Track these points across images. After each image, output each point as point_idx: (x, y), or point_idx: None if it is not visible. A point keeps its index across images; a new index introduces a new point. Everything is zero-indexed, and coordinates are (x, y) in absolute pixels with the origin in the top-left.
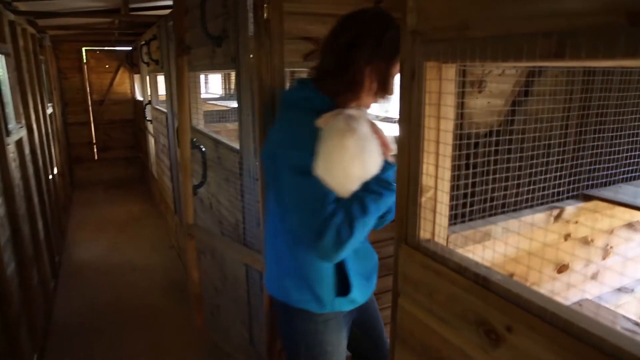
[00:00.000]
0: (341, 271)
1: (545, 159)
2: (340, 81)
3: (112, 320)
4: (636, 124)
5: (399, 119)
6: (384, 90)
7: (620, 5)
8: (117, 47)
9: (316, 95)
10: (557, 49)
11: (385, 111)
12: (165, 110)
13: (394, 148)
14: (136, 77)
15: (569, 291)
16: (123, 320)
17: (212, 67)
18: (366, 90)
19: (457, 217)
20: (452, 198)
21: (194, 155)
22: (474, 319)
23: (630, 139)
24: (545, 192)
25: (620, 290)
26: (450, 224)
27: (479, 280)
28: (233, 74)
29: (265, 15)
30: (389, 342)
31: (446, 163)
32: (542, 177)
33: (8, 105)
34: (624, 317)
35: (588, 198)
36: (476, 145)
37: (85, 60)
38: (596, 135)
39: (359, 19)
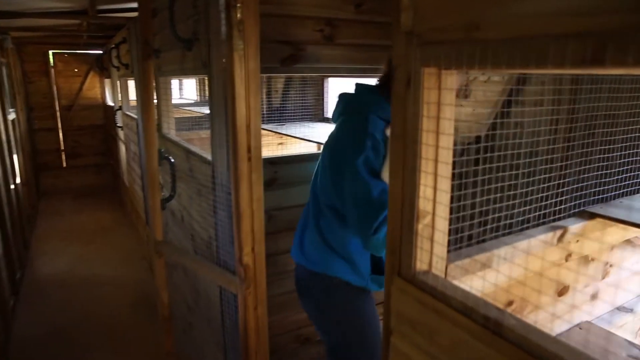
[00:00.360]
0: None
1: (546, 175)
2: None
3: (76, 341)
4: (631, 135)
5: (392, 133)
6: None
7: None
8: (87, 50)
9: (385, 102)
10: (594, 53)
11: None
12: (135, 116)
13: None
14: (107, 81)
15: (569, 314)
16: (88, 342)
17: (183, 72)
18: None
19: (450, 242)
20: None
21: (164, 166)
22: None
23: (629, 151)
24: (546, 211)
25: (619, 309)
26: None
27: (489, 325)
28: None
29: (238, 16)
30: None
31: (445, 185)
32: (544, 194)
33: None
34: (630, 343)
35: (590, 216)
36: (462, 154)
37: (52, 64)
38: (598, 148)
39: None
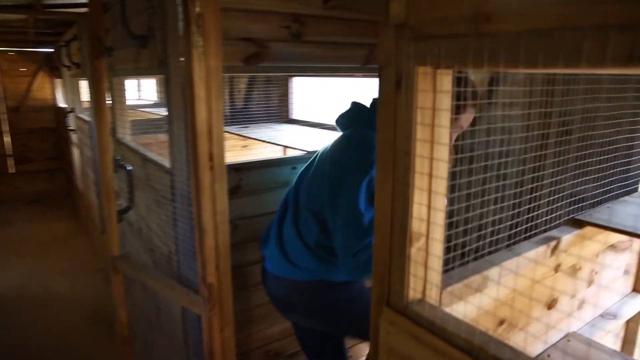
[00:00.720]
0: None
1: (534, 183)
2: None
3: None
4: (616, 137)
5: (378, 142)
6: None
7: None
8: (35, 48)
9: None
10: None
11: None
12: (89, 119)
13: None
14: (57, 81)
15: (557, 327)
16: None
17: (138, 72)
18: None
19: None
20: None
21: (120, 173)
22: None
23: (610, 155)
24: (538, 221)
25: (603, 316)
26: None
27: None
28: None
29: (197, 9)
30: None
31: (439, 203)
32: (534, 204)
33: None
34: (618, 353)
35: (579, 223)
36: None
37: None
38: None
39: None
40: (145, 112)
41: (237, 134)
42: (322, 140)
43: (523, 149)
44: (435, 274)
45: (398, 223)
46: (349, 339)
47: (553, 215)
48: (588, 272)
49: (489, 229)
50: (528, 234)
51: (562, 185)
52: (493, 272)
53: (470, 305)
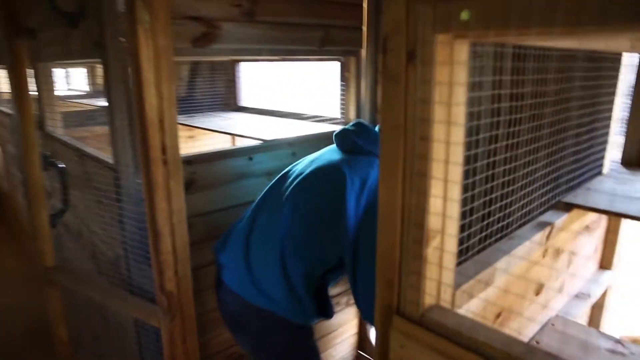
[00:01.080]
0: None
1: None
2: None
3: None
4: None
5: (383, 125)
6: None
7: None
8: None
9: None
10: None
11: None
12: (10, 111)
13: None
14: None
15: (544, 311)
16: None
17: (69, 56)
18: None
19: None
20: None
21: (51, 173)
22: None
23: (585, 136)
24: (532, 206)
25: (578, 297)
26: None
27: None
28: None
29: None
30: None
31: (455, 193)
32: (529, 188)
33: None
34: (603, 334)
35: (566, 206)
36: None
37: None
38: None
39: None
40: (77, 103)
41: (183, 124)
42: (277, 128)
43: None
44: (449, 274)
45: (411, 221)
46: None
47: (543, 199)
48: (567, 254)
49: (494, 217)
50: (523, 221)
51: (543, 171)
52: (502, 262)
53: (477, 300)
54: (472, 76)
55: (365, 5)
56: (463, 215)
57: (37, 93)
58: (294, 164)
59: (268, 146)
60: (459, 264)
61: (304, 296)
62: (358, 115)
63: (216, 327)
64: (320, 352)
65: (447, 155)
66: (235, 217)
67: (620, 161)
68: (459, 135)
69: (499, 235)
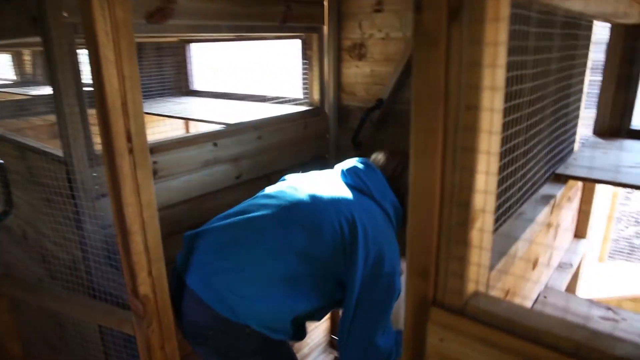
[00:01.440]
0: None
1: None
2: None
3: None
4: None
5: (416, 97)
6: None
7: None
8: None
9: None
10: None
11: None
12: None
13: None
14: None
15: (537, 285)
16: None
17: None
18: None
19: None
20: None
21: None
22: None
23: (567, 110)
24: (533, 180)
25: (561, 267)
26: None
27: None
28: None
29: None
30: None
31: (495, 166)
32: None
33: None
34: (593, 303)
35: (562, 179)
36: (362, 121)
37: None
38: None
39: None
40: (5, 93)
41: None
42: (237, 112)
43: None
44: (486, 254)
45: (454, 201)
46: None
47: (540, 173)
48: (555, 226)
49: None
50: (526, 196)
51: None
52: (527, 232)
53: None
54: None
55: None
56: None
57: None
58: (293, 182)
59: (232, 130)
60: None
61: (289, 328)
62: (322, 95)
63: None
64: (294, 351)
65: (491, 125)
66: (201, 208)
67: (592, 132)
68: (500, 101)
69: (508, 212)
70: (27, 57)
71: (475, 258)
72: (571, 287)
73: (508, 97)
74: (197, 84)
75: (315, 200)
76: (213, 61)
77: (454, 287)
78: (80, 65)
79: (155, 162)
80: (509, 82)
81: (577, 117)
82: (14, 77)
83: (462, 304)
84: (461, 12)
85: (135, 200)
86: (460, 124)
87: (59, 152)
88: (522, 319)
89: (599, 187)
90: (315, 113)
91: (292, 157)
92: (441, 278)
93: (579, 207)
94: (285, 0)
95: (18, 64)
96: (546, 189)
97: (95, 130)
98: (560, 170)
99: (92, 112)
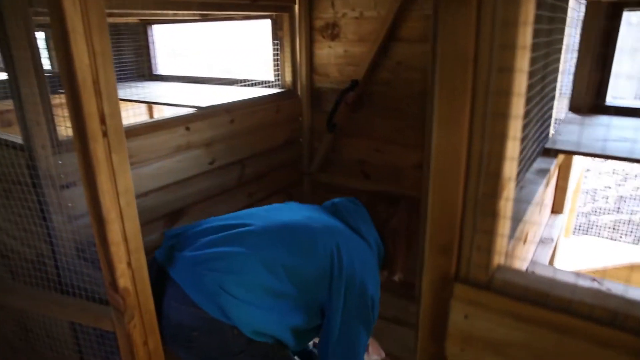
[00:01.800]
0: None
1: None
2: None
3: None
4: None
5: (440, 57)
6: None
7: None
8: None
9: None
10: None
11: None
12: None
13: None
14: None
15: (525, 262)
16: None
17: None
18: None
19: None
20: None
21: None
22: None
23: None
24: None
25: (543, 242)
26: None
27: None
28: None
29: None
30: None
31: (516, 130)
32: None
33: None
34: (579, 275)
35: (552, 152)
36: (337, 104)
37: None
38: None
39: None
40: None
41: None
42: (206, 95)
43: None
44: (508, 224)
45: (481, 169)
46: None
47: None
48: (540, 203)
49: None
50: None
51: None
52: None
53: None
54: None
55: None
56: None
57: None
58: (287, 205)
59: (205, 114)
60: None
61: (284, 337)
62: (294, 77)
63: None
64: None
65: (520, 87)
66: (175, 196)
67: (568, 109)
68: (528, 61)
69: None
70: None
71: (502, 229)
72: (550, 262)
73: None
74: (161, 68)
75: (311, 222)
76: (176, 44)
77: (479, 261)
78: (37, 42)
79: (128, 148)
80: None
81: (554, 94)
82: None
83: (488, 279)
84: None
85: (111, 187)
86: (491, 88)
87: (17, 139)
88: (554, 289)
89: (574, 164)
90: (287, 96)
91: (265, 141)
92: (465, 252)
93: (555, 184)
94: None
95: None
96: (539, 164)
97: (60, 113)
98: (549, 144)
99: (55, 96)
